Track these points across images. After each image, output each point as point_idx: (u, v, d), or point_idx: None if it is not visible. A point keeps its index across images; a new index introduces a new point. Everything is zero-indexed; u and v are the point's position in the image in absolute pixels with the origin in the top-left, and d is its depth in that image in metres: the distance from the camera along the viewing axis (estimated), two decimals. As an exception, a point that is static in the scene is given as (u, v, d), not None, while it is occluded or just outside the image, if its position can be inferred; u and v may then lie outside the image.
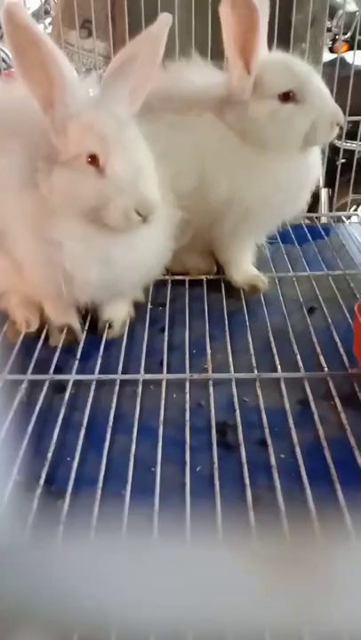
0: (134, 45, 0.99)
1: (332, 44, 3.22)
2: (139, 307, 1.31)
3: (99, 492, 0.86)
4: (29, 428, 0.97)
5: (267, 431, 0.97)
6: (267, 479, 0.89)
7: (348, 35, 3.09)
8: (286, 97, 1.17)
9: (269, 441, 0.95)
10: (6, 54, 3.62)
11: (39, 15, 3.82)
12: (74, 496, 0.86)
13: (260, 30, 1.12)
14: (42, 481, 0.88)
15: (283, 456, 0.93)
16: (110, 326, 1.23)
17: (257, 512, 0.82)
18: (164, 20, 0.99)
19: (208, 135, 1.22)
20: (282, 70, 1.18)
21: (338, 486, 0.85)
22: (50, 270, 1.04)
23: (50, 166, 0.98)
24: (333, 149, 1.88)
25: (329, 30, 2.84)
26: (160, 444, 0.94)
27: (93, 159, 0.96)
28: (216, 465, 0.91)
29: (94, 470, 0.90)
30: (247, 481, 0.88)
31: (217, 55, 1.31)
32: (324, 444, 0.94)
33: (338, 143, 1.75)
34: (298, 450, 0.93)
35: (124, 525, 0.80)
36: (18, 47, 0.92)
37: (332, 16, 2.83)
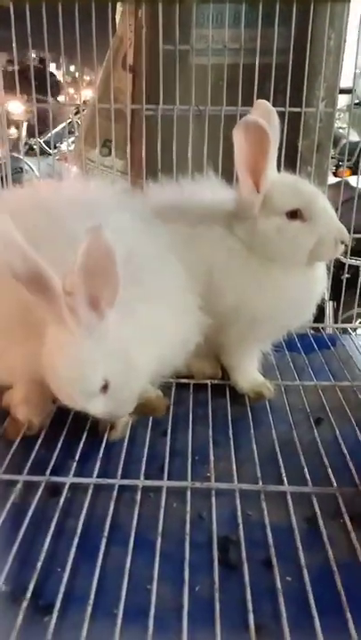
0: None
1: (336, 169, 3.46)
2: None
3: (89, 609, 0.79)
4: (20, 533, 0.92)
5: (272, 550, 0.91)
6: (272, 605, 0.82)
7: (351, 161, 3.35)
8: (294, 215, 1.22)
9: (275, 561, 0.89)
10: (29, 166, 3.88)
11: (63, 134, 4.16)
12: (62, 612, 0.79)
13: (271, 153, 1.19)
14: (29, 593, 0.81)
15: (289, 579, 0.87)
16: (112, 428, 1.20)
17: (261, 642, 0.75)
18: None
19: (217, 246, 1.27)
20: (290, 190, 1.24)
21: (349, 616, 0.78)
22: None
23: None
24: (338, 265, 1.94)
25: (332, 158, 3.05)
26: (157, 560, 0.88)
27: None
28: (217, 586, 0.84)
29: (86, 584, 0.83)
30: (250, 605, 0.81)
31: (226, 173, 1.39)
32: (334, 567, 0.87)
33: (343, 259, 1.82)
34: (305, 573, 0.86)
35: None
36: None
37: (335, 144, 3.06)
